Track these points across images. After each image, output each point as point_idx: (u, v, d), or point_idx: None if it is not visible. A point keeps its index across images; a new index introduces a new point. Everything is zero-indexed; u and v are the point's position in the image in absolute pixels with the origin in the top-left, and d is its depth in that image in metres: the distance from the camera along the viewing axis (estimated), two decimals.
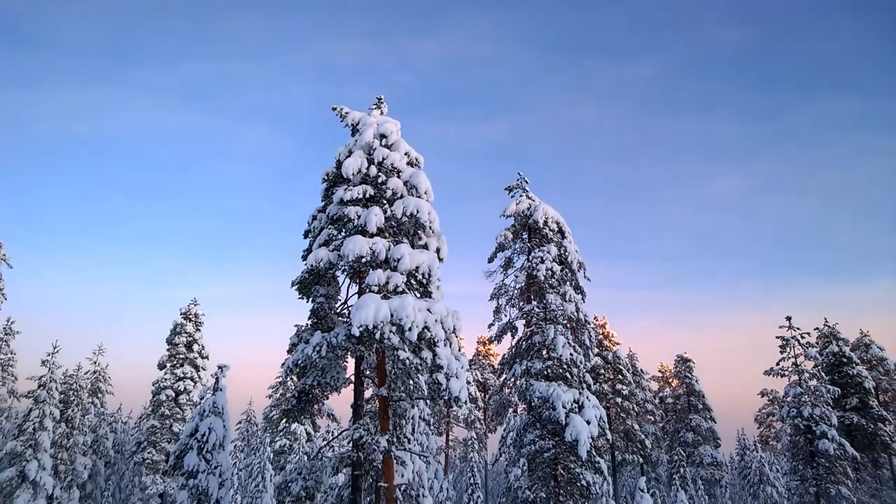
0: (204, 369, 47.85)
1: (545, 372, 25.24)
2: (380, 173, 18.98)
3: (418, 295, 18.56)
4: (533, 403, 24.80)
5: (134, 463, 44.94)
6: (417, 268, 17.73)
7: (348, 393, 19.25)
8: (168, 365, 47.00)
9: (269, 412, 54.75)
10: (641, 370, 53.62)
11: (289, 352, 19.40)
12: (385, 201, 19.16)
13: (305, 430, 50.67)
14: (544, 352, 25.46)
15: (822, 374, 36.08)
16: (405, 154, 19.99)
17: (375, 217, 17.97)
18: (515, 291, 27.67)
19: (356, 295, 19.67)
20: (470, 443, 39.02)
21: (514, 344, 27.23)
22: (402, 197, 18.90)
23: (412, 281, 18.33)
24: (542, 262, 26.04)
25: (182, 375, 46.68)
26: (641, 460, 48.30)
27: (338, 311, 19.94)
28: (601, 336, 48.41)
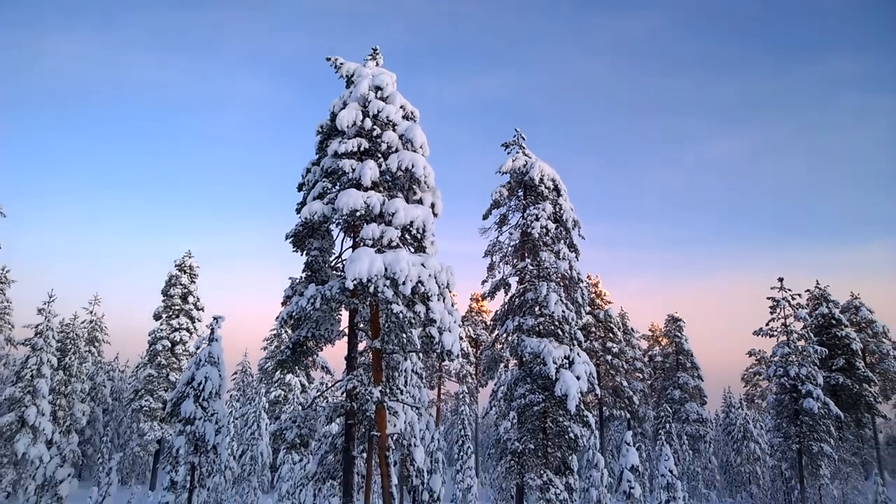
0: (199, 320, 48.38)
1: (537, 328, 25.55)
2: (375, 126, 18.75)
3: (412, 250, 18.61)
4: (524, 359, 25.18)
5: (132, 410, 45.78)
6: (412, 222, 17.73)
7: (342, 345, 19.50)
8: (164, 316, 47.46)
9: (263, 363, 55.53)
10: (632, 329, 54.39)
11: (283, 304, 19.50)
12: (380, 155, 18.98)
13: (300, 381, 51.56)
14: (537, 308, 25.70)
15: (811, 335, 36.56)
16: (401, 107, 19.72)
17: (370, 171, 17.85)
18: (509, 248, 27.73)
19: (350, 249, 19.71)
20: (461, 396, 39.78)
21: (506, 300, 27.45)
22: (397, 151, 18.74)
23: (406, 235, 18.35)
24: (537, 219, 26.04)
25: (178, 326, 47.22)
26: (628, 415, 49.45)
27: (332, 264, 20.00)
28: (593, 295, 48.91)
